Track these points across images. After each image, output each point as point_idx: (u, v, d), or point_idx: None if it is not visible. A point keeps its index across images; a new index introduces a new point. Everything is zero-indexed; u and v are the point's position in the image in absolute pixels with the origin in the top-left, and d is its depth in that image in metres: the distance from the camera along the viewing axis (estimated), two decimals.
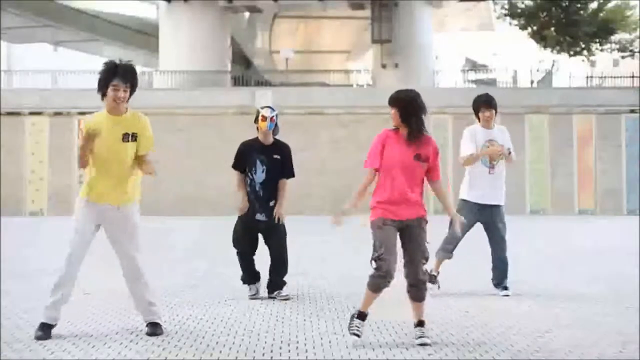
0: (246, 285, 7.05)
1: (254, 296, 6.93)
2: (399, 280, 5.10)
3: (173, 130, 24.36)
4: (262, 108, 6.99)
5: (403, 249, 5.08)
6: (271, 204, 6.88)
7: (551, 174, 25.09)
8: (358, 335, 4.96)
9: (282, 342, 5.07)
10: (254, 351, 4.79)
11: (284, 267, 7.01)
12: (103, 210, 5.18)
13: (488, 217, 7.04)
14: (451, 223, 6.82)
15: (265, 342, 5.05)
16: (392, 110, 5.05)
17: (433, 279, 6.92)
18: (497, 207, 7.06)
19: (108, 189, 5.16)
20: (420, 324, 5.01)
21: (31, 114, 25.30)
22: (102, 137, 5.09)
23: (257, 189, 6.88)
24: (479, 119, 7.13)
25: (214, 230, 17.53)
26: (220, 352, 4.76)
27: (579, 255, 11.31)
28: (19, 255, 11.18)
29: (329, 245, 12.69)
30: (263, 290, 7.07)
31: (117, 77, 5.11)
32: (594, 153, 25.30)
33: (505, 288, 7.02)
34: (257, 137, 6.99)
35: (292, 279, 7.56)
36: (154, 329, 5.25)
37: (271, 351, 4.80)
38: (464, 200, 7.07)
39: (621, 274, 8.76)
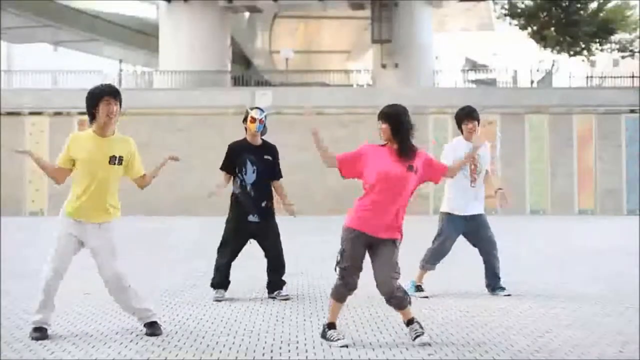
0: (212, 290, 6.98)
1: (219, 299, 6.84)
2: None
3: (173, 130, 24.37)
4: (252, 109, 7.01)
5: (373, 265, 5.10)
6: (263, 204, 6.86)
7: (551, 174, 25.08)
8: (343, 338, 4.96)
9: (282, 342, 5.07)
10: (254, 351, 4.79)
11: (282, 267, 7.00)
12: (86, 228, 5.23)
13: (474, 226, 7.04)
14: (436, 237, 6.93)
15: (265, 342, 5.05)
16: (383, 125, 5.00)
17: (419, 288, 7.01)
18: (481, 215, 7.08)
19: (91, 208, 5.20)
20: (410, 322, 5.00)
21: (31, 114, 25.30)
22: (87, 157, 5.17)
23: (249, 189, 6.86)
24: (461, 131, 7.11)
25: (214, 230, 17.49)
26: (220, 352, 4.76)
27: (579, 255, 11.31)
28: (19, 255, 11.18)
29: (329, 245, 12.67)
30: (261, 291, 7.07)
31: (106, 94, 5.18)
32: (594, 153, 25.29)
33: (503, 288, 7.04)
34: (245, 138, 7.00)
35: (292, 278, 7.57)
36: (153, 328, 5.25)
37: (271, 351, 4.80)
38: (449, 214, 7.05)
39: (621, 274, 8.76)
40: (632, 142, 25.11)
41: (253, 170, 6.85)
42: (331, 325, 5.04)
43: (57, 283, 5.23)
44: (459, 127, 7.11)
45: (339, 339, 4.94)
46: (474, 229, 7.05)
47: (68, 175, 5.32)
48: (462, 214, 6.98)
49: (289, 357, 4.66)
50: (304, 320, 5.87)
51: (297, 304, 6.65)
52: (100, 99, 5.16)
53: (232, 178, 6.95)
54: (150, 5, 38.25)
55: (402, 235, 5.10)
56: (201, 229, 17.95)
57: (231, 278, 8.30)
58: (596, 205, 25.09)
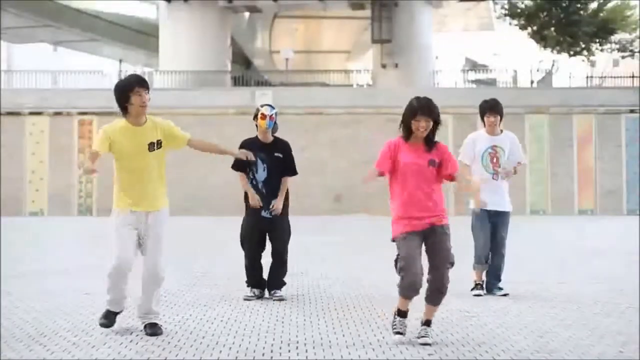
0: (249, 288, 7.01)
1: (249, 298, 6.87)
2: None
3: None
4: (262, 106, 6.99)
5: (427, 255, 5.05)
6: (273, 201, 6.89)
7: (551, 174, 25.09)
8: (401, 334, 5.03)
9: (282, 342, 5.07)
10: (254, 351, 4.79)
11: (283, 266, 7.01)
12: (138, 216, 5.26)
13: (495, 223, 7.06)
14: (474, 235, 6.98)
15: (265, 342, 5.05)
16: (427, 122, 4.98)
17: (479, 287, 7.09)
18: (505, 213, 7.07)
19: (139, 197, 5.26)
20: (427, 323, 5.05)
21: (31, 114, 25.31)
22: (126, 149, 5.21)
23: (260, 187, 6.90)
24: (484, 123, 7.11)
25: (214, 230, 17.54)
26: (220, 352, 4.76)
27: (579, 255, 11.31)
28: (19, 255, 11.18)
29: (329, 246, 12.69)
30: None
31: (136, 84, 5.22)
32: (594, 153, 25.31)
33: (500, 288, 7.08)
34: (256, 136, 6.98)
35: (292, 278, 7.57)
36: (154, 329, 5.26)
37: (271, 351, 4.79)
38: (474, 209, 7.07)
39: (621, 274, 8.76)
40: (632, 142, 25.12)
41: (263, 168, 6.87)
42: (400, 313, 5.09)
43: (121, 274, 5.23)
44: (482, 119, 7.10)
45: (397, 332, 5.04)
46: (493, 226, 7.06)
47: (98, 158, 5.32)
48: (486, 209, 6.96)
49: (289, 357, 4.66)
50: (304, 320, 5.87)
51: (297, 304, 6.65)
52: (132, 90, 5.18)
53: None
54: (150, 5, 38.27)
55: (446, 217, 5.11)
56: (201, 229, 17.96)
57: (231, 278, 8.32)
58: (596, 205, 25.10)
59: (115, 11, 37.29)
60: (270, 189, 6.88)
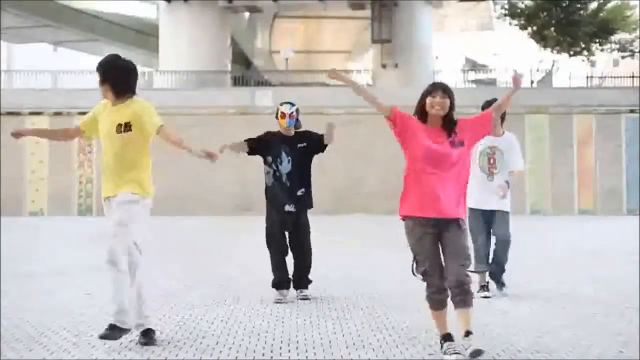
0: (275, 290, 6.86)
1: (279, 301, 6.70)
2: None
3: (173, 130, 24.35)
4: (282, 104, 6.98)
5: (442, 252, 4.66)
6: (299, 193, 6.82)
7: (551, 174, 25.09)
8: (458, 353, 4.46)
9: (282, 342, 5.07)
10: (254, 351, 4.79)
11: (306, 265, 6.90)
12: (109, 204, 5.02)
13: (492, 223, 7.04)
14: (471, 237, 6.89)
15: (265, 342, 5.05)
16: (443, 98, 4.60)
17: (484, 288, 6.98)
18: (500, 212, 7.01)
19: (108, 181, 5.02)
20: (468, 333, 4.52)
21: (31, 114, 25.31)
22: (100, 127, 5.06)
23: (284, 180, 6.81)
24: None
25: (214, 230, 17.54)
26: (220, 352, 4.76)
27: (579, 255, 11.31)
28: (19, 255, 11.18)
29: (330, 246, 12.69)
30: (261, 292, 7.07)
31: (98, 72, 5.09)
32: (594, 153, 25.30)
33: (487, 289, 7.00)
34: (279, 131, 6.96)
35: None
36: (146, 338, 4.96)
37: (271, 351, 4.79)
38: (470, 209, 7.05)
39: (621, 274, 8.76)
40: (632, 142, 25.12)
41: (288, 160, 6.81)
42: (444, 337, 4.57)
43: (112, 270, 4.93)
44: None
45: (454, 353, 4.46)
46: (490, 225, 7.04)
47: (75, 137, 5.27)
48: (480, 208, 6.95)
49: (289, 357, 4.66)
50: (304, 320, 5.87)
51: (297, 304, 6.65)
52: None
53: (263, 169, 6.88)
54: (150, 5, 38.28)
55: (462, 212, 4.69)
56: (201, 229, 17.96)
57: (231, 278, 8.31)
58: (596, 205, 25.10)
59: (115, 11, 37.30)
60: (295, 180, 6.80)
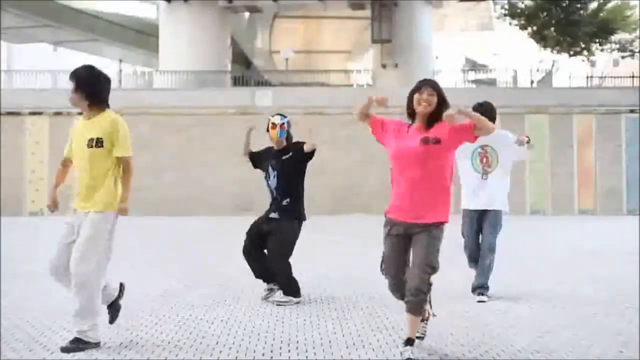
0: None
1: (266, 297, 6.79)
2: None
3: (173, 131, 24.36)
4: (273, 116, 7.05)
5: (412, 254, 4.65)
6: (284, 202, 6.87)
7: (551, 174, 25.08)
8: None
9: (282, 342, 5.07)
10: (254, 351, 4.79)
11: (277, 269, 6.82)
12: (79, 217, 4.97)
13: (482, 222, 6.98)
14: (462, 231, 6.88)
15: (265, 342, 5.05)
16: (430, 95, 4.51)
17: (480, 293, 6.81)
18: (490, 212, 6.91)
19: (79, 195, 4.99)
20: (408, 342, 4.57)
21: (31, 114, 25.29)
22: (74, 141, 5.05)
23: (275, 194, 6.92)
24: None
25: (214, 230, 17.53)
26: (220, 352, 4.76)
27: (579, 256, 11.30)
28: (19, 255, 11.18)
29: (329, 246, 12.69)
30: (261, 292, 7.08)
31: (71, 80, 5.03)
32: (594, 153, 25.29)
33: (481, 293, 6.85)
34: (272, 146, 7.05)
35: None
36: (71, 344, 4.84)
37: (271, 351, 4.80)
38: (463, 209, 7.03)
39: (621, 274, 8.76)
40: (632, 142, 25.11)
41: (274, 175, 6.90)
42: (407, 341, 4.58)
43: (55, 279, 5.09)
44: None
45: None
46: (481, 226, 6.96)
47: (69, 167, 5.16)
48: (470, 208, 6.93)
49: (289, 357, 4.66)
50: (304, 320, 5.87)
51: (297, 304, 6.65)
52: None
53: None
54: (150, 5, 38.27)
55: (438, 216, 4.53)
56: (201, 229, 17.95)
57: (231, 278, 8.32)
58: (596, 205, 25.08)
59: (115, 11, 37.28)
60: (282, 192, 6.88)
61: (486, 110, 6.96)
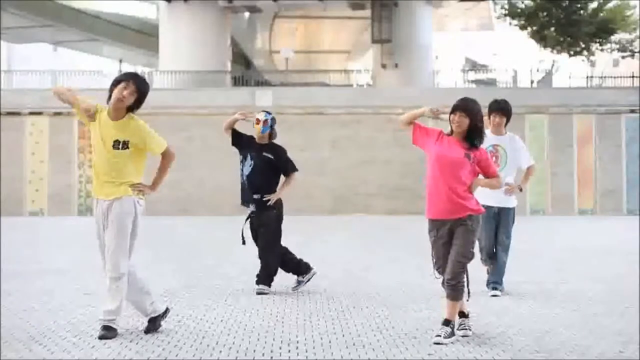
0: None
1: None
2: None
3: (173, 130, 24.33)
4: (259, 112, 7.37)
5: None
6: (255, 197, 7.19)
7: (551, 174, 25.09)
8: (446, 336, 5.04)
9: (282, 342, 5.07)
10: (254, 351, 4.79)
11: (263, 263, 7.26)
12: (102, 205, 5.24)
13: (498, 220, 7.06)
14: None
15: (265, 342, 5.05)
16: (460, 117, 5.15)
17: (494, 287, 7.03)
18: (504, 209, 7.04)
19: (101, 186, 5.24)
20: (445, 322, 5.10)
21: (31, 114, 25.31)
22: (97, 138, 5.20)
23: (244, 179, 7.28)
24: (490, 121, 7.12)
25: (214, 230, 17.53)
26: (220, 352, 4.76)
27: (579, 255, 11.31)
28: (19, 255, 11.18)
29: (329, 245, 12.69)
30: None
31: (122, 80, 5.27)
32: (594, 153, 25.30)
33: (495, 288, 7.06)
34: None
35: (292, 278, 7.58)
36: (103, 332, 5.13)
37: (271, 351, 4.80)
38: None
39: (621, 274, 8.76)
40: (632, 142, 25.11)
41: (250, 164, 7.22)
42: (445, 322, 5.11)
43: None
44: (488, 117, 7.10)
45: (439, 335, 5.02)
46: (497, 223, 7.06)
47: (86, 113, 5.21)
48: (488, 204, 6.94)
49: (289, 357, 4.66)
50: (304, 320, 5.87)
51: (297, 304, 6.66)
52: (115, 84, 5.24)
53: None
54: (150, 5, 38.27)
55: (470, 209, 5.17)
56: (201, 229, 17.95)
57: (231, 278, 8.32)
58: (596, 205, 25.09)
59: (115, 11, 37.30)
60: (253, 184, 7.21)
61: (501, 107, 7.05)
